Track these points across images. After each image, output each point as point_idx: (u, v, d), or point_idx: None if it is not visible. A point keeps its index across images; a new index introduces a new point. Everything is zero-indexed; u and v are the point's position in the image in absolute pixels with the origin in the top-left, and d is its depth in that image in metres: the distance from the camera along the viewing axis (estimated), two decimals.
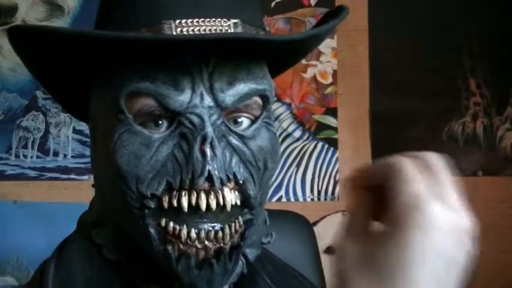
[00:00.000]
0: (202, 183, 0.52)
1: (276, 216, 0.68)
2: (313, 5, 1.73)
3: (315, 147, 1.70)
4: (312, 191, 1.69)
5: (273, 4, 1.74)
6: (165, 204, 0.54)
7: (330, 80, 1.71)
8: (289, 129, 1.71)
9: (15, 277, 1.75)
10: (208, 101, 0.54)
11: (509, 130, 1.62)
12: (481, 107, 1.64)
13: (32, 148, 1.80)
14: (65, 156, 1.78)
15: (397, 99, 1.66)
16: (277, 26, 1.73)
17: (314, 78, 1.71)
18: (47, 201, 1.76)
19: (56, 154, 1.79)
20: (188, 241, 0.54)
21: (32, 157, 1.80)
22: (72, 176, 1.77)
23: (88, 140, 1.80)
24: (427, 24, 1.67)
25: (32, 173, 1.79)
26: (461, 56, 1.65)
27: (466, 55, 1.64)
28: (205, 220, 0.54)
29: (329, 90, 1.71)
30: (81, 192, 1.69)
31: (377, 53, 1.69)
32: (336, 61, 1.71)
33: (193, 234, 0.54)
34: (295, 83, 1.71)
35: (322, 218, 1.66)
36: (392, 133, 1.67)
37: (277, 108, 1.70)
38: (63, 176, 1.78)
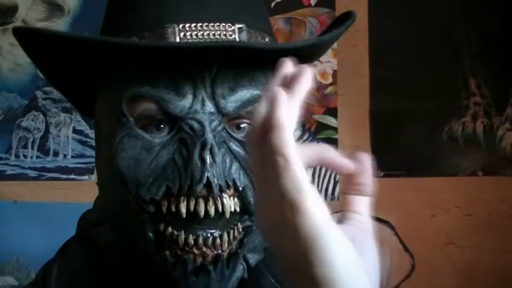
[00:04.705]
0: (201, 189, 0.52)
1: None
2: (313, 5, 1.73)
3: None
4: None
5: (273, 4, 1.73)
6: (164, 209, 0.54)
7: (330, 80, 1.71)
8: None
9: (15, 277, 1.75)
10: (209, 106, 0.54)
11: (509, 130, 1.62)
12: (481, 107, 1.63)
13: (32, 148, 1.80)
14: (65, 156, 1.78)
15: (397, 99, 1.66)
16: (277, 26, 1.73)
17: (314, 78, 1.71)
18: (47, 201, 1.76)
19: (56, 154, 1.79)
20: (186, 247, 0.53)
21: (32, 157, 1.80)
22: (72, 176, 1.77)
23: (88, 140, 1.80)
24: (427, 24, 1.67)
25: (32, 173, 1.80)
26: (461, 56, 1.64)
27: (466, 55, 1.64)
28: (203, 226, 0.54)
29: (329, 90, 1.70)
30: (81, 192, 1.69)
31: (377, 53, 1.68)
32: (336, 61, 1.70)
33: (190, 240, 0.53)
34: None
35: None
36: (392, 133, 1.67)
37: None
38: (63, 176, 1.77)
